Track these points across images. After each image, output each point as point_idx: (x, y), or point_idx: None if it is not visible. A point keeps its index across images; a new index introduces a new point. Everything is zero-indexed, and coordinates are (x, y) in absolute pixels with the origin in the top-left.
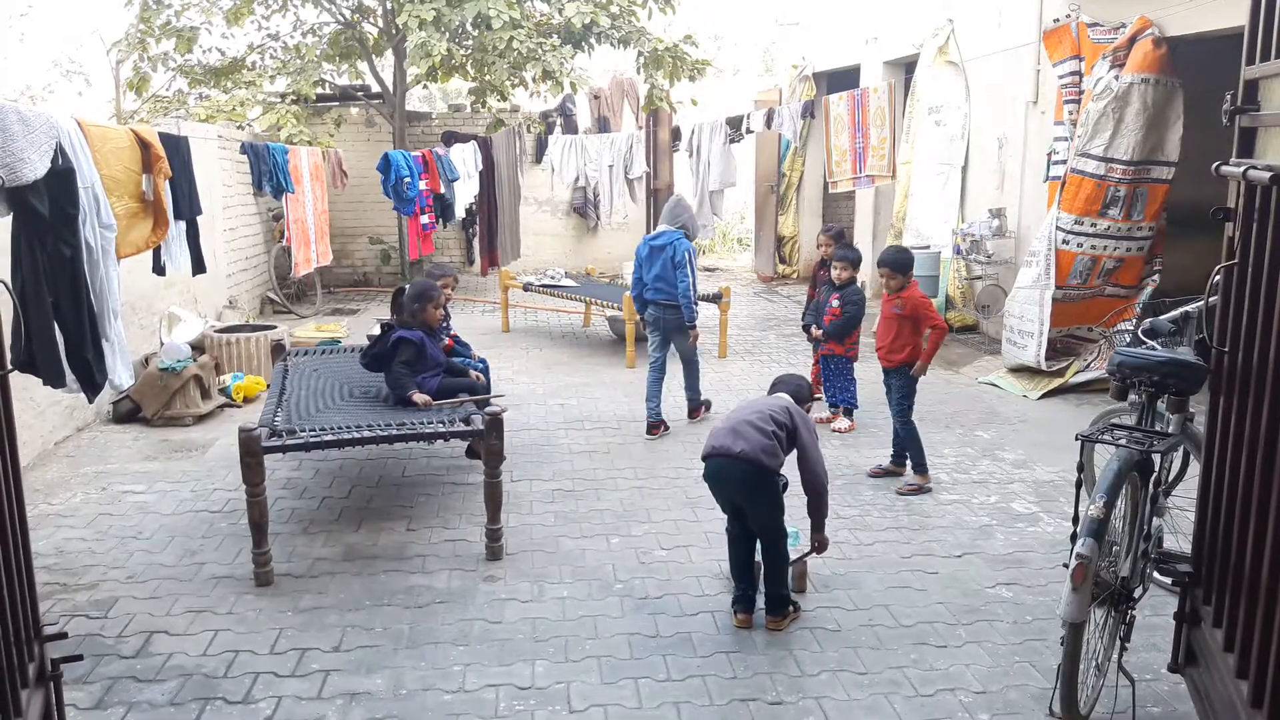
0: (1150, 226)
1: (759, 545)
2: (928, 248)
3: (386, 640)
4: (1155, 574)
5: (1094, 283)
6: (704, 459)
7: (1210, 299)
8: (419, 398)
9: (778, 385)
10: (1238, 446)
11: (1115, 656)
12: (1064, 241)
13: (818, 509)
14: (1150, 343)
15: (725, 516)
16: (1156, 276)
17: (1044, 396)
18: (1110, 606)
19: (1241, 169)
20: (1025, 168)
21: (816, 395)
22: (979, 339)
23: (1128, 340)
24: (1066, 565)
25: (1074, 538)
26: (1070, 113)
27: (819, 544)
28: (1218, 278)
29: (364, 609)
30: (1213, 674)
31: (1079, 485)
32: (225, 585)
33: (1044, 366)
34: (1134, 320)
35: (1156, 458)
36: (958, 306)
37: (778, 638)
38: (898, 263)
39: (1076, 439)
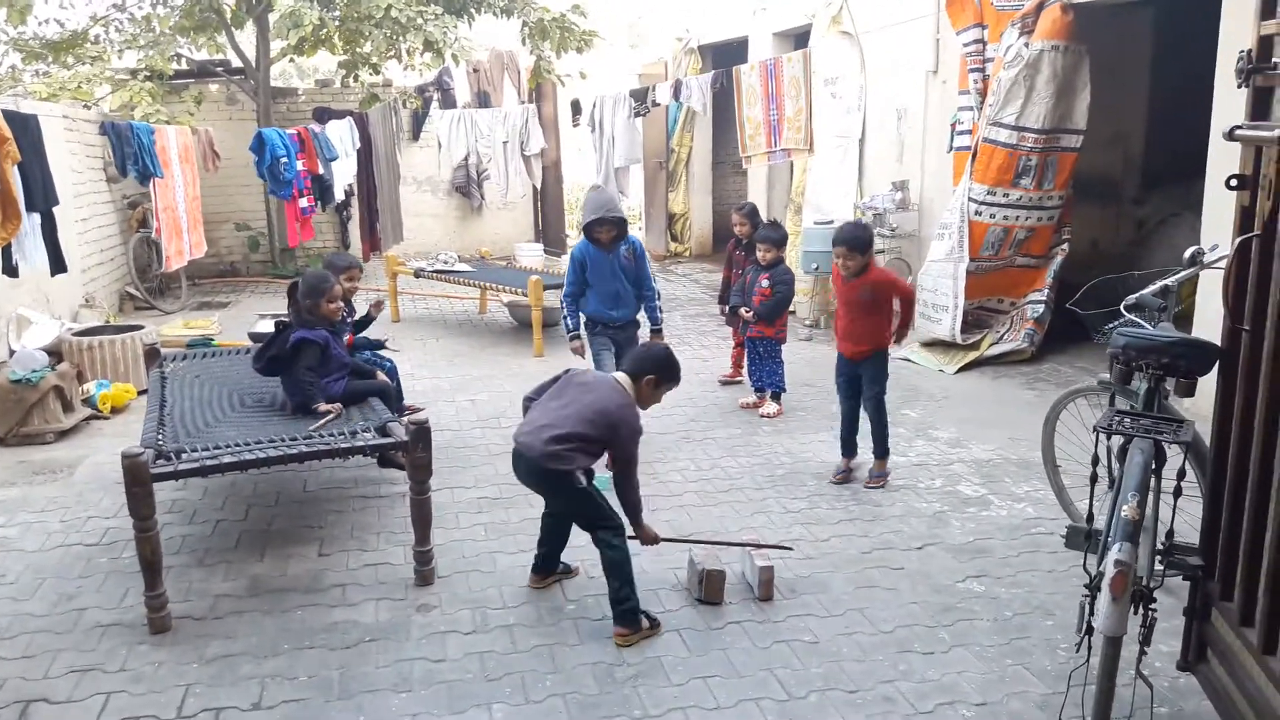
0: (1060, 195)
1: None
2: (831, 222)
3: (314, 691)
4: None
5: (1005, 253)
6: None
7: (1184, 272)
8: (326, 408)
9: (631, 360)
10: (1268, 428)
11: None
12: (976, 213)
13: (627, 509)
14: (1130, 316)
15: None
16: (1065, 245)
17: (960, 370)
18: (1130, 609)
19: (1276, 132)
20: (926, 139)
21: (737, 378)
22: None
23: (1042, 312)
24: (1095, 575)
25: (1088, 536)
26: (975, 82)
27: (641, 538)
28: (1211, 252)
29: (283, 654)
30: (1237, 673)
31: (1093, 480)
32: (113, 635)
33: (959, 340)
34: (1044, 290)
35: (1174, 447)
36: None
37: (755, 656)
38: (856, 240)
39: (1094, 431)
